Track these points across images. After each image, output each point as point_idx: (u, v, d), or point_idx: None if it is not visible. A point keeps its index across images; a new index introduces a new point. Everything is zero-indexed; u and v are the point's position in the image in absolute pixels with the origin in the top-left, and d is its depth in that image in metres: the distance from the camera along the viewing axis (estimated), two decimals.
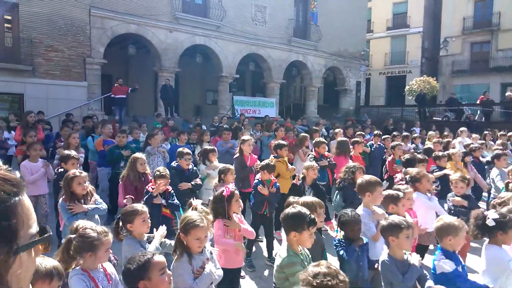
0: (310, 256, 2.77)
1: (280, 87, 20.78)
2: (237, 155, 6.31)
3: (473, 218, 3.06)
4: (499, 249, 2.88)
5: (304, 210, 2.67)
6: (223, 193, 3.62)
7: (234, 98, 17.98)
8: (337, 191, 5.16)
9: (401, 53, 30.35)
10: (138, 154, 5.18)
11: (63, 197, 3.84)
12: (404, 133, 10.02)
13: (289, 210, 2.68)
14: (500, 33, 25.90)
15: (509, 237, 2.86)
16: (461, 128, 10.92)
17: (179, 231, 2.77)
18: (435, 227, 3.00)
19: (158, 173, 4.46)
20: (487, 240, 3.00)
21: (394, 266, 2.76)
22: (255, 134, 10.43)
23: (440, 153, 6.45)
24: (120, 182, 5.11)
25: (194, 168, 5.84)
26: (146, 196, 4.35)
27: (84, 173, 3.93)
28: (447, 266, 2.75)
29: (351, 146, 7.63)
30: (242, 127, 11.15)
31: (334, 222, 6.33)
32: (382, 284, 3.07)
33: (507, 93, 19.52)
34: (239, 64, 18.44)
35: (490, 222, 2.88)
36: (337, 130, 9.13)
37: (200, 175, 5.77)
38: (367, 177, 3.89)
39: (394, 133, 10.49)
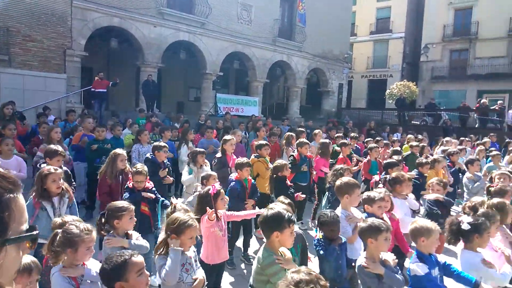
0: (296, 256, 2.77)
1: (263, 86, 20.82)
2: (220, 154, 6.28)
3: (447, 224, 3.16)
4: (472, 254, 2.99)
5: (282, 210, 2.68)
6: (209, 191, 3.66)
7: (217, 95, 17.90)
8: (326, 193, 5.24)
9: (383, 57, 30.90)
10: (118, 150, 5.06)
11: (33, 194, 3.58)
12: (385, 142, 10.06)
13: (267, 212, 2.67)
14: (478, 41, 26.71)
15: (484, 240, 2.98)
16: (447, 138, 10.90)
17: (169, 232, 2.79)
18: (409, 230, 3.07)
19: (135, 169, 4.39)
20: (462, 245, 3.09)
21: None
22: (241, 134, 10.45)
23: (424, 160, 6.50)
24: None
25: (168, 162, 5.91)
26: (128, 194, 4.28)
27: (60, 170, 3.78)
28: (419, 269, 2.81)
29: (338, 148, 7.77)
30: (231, 126, 11.18)
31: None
32: (359, 282, 3.13)
33: (483, 100, 20.18)
34: (223, 62, 18.37)
35: (465, 226, 2.99)
36: (316, 131, 9.17)
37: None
38: (345, 179, 3.93)
39: (378, 138, 10.61)
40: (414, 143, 8.95)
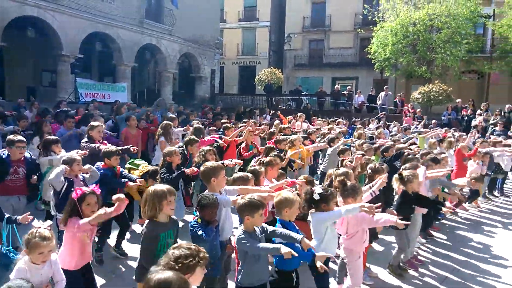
0: None
1: (132, 70, 19.58)
2: (86, 140, 5.71)
3: (303, 193, 3.62)
4: (321, 213, 3.50)
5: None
6: (72, 196, 3.27)
7: (77, 80, 16.08)
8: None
9: (251, 44, 32.29)
10: None
11: None
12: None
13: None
14: (331, 33, 30.09)
15: (330, 208, 3.50)
16: (299, 114, 12.54)
17: None
18: (275, 202, 3.39)
19: None
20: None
21: (249, 238, 2.97)
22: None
23: (281, 137, 7.16)
24: None
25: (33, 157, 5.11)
26: None
27: None
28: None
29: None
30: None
31: None
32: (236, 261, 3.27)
33: (336, 86, 23.00)
34: (83, 43, 16.54)
35: (316, 196, 3.46)
36: (194, 121, 8.93)
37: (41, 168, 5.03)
38: (209, 163, 3.96)
39: (245, 120, 11.13)
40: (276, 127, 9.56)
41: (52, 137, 5.46)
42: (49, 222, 3.10)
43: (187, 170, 4.80)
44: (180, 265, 1.97)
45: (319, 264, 2.97)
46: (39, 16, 14.63)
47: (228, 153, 7.34)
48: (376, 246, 5.32)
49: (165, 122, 7.91)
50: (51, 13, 14.98)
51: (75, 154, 4.71)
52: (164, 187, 3.22)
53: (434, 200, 4.82)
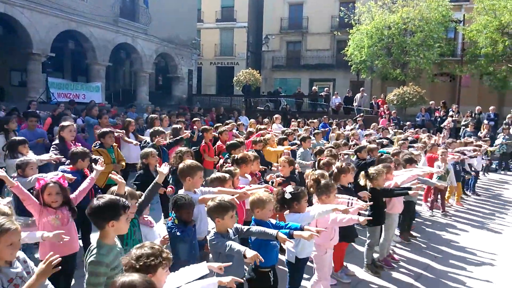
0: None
1: (106, 70, 19.11)
2: (57, 142, 5.51)
3: (275, 194, 3.57)
4: (293, 215, 3.46)
5: (114, 196, 2.60)
6: (35, 187, 3.29)
7: (49, 80, 15.56)
8: (170, 175, 5.11)
9: (229, 45, 32.16)
10: None
11: None
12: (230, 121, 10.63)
13: (98, 202, 2.47)
14: (308, 35, 30.35)
15: (302, 206, 3.48)
16: (275, 115, 12.42)
17: None
18: (249, 202, 3.36)
19: None
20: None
21: (221, 237, 2.90)
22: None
23: (257, 139, 7.18)
24: None
25: None
26: None
27: None
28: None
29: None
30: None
31: None
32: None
33: (313, 88, 23.19)
34: (55, 41, 16.01)
35: (287, 196, 3.45)
36: (163, 116, 8.92)
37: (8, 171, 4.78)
38: (188, 161, 3.93)
39: (227, 121, 11.10)
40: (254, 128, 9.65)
41: (19, 137, 5.22)
42: (8, 199, 3.01)
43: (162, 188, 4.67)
44: (141, 264, 1.91)
45: (306, 233, 2.88)
46: (6, 12, 14.06)
47: (206, 160, 7.27)
48: (355, 245, 5.34)
49: (126, 120, 7.86)
50: (19, 10, 14.42)
51: (46, 156, 4.54)
52: (126, 189, 3.19)
53: (401, 188, 4.87)
